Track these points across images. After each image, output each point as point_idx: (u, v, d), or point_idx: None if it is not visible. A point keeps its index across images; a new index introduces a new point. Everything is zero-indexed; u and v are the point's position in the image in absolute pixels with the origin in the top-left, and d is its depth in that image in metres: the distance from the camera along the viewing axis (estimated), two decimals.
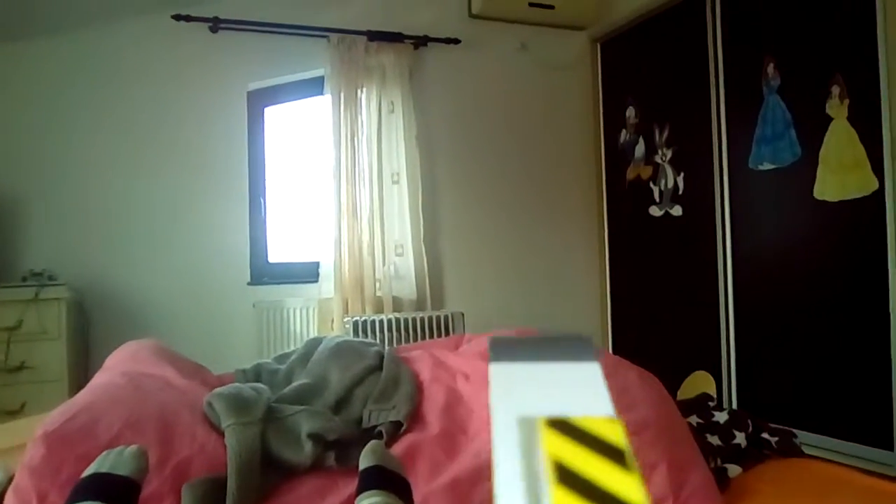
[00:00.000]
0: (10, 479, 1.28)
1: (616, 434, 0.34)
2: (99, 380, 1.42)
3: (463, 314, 3.84)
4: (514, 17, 4.59)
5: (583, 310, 4.72)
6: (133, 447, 1.05)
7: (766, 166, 3.57)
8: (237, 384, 1.45)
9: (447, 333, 3.75)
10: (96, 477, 1.01)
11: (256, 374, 1.70)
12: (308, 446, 1.26)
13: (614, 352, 4.56)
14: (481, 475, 1.25)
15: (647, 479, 1.34)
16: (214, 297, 4.00)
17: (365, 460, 1.10)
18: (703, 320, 3.91)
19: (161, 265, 3.92)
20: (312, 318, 4.08)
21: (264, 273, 4.19)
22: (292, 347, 4.00)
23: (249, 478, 1.18)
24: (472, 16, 4.56)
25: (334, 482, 1.26)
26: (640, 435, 1.39)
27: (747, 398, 3.68)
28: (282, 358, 1.81)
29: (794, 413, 3.28)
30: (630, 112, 4.46)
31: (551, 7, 4.54)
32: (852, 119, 3.16)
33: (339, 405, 1.46)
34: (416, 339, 3.71)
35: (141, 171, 3.92)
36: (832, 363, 3.25)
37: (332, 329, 4.02)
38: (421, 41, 4.39)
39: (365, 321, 3.64)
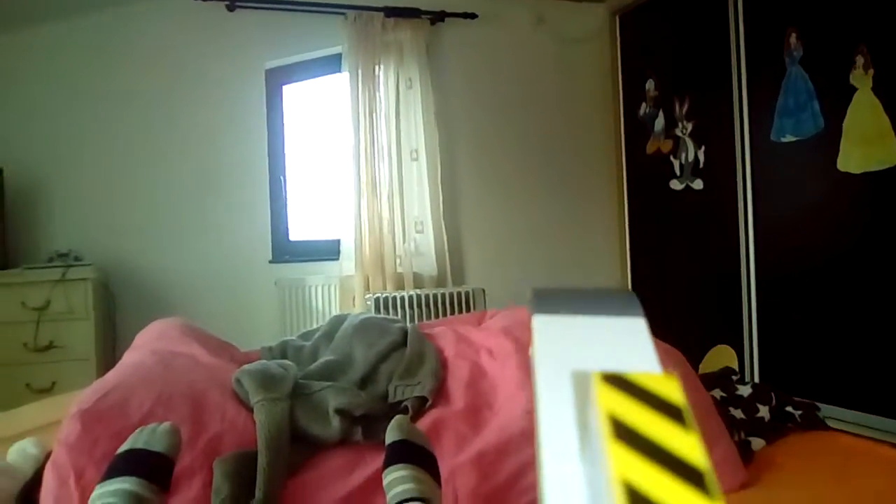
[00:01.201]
0: (47, 456, 1.31)
1: (674, 391, 0.34)
2: (129, 358, 1.45)
3: (484, 290, 3.85)
4: None
5: (604, 283, 4.71)
6: (166, 424, 1.07)
7: (789, 138, 3.53)
8: (264, 361, 1.47)
9: (468, 309, 3.77)
10: (131, 453, 1.04)
11: (282, 351, 1.72)
12: (336, 421, 1.28)
13: None
14: (507, 449, 1.27)
15: None
16: (237, 275, 4.04)
17: (391, 435, 1.12)
18: (724, 294, 3.90)
19: (183, 244, 3.96)
20: (334, 295, 4.11)
21: (286, 251, 4.22)
22: (314, 325, 4.05)
23: (279, 453, 1.20)
24: None
25: (362, 456, 1.28)
26: None
27: (769, 372, 3.68)
28: (307, 335, 1.84)
29: (817, 386, 3.27)
30: (650, 85, 4.42)
31: None
32: (876, 90, 3.11)
33: (365, 381, 1.48)
34: (437, 316, 3.73)
35: (162, 150, 3.95)
36: (855, 336, 3.23)
37: (354, 306, 4.05)
38: (438, 16, 4.36)
39: (386, 298, 3.67)
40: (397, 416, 1.18)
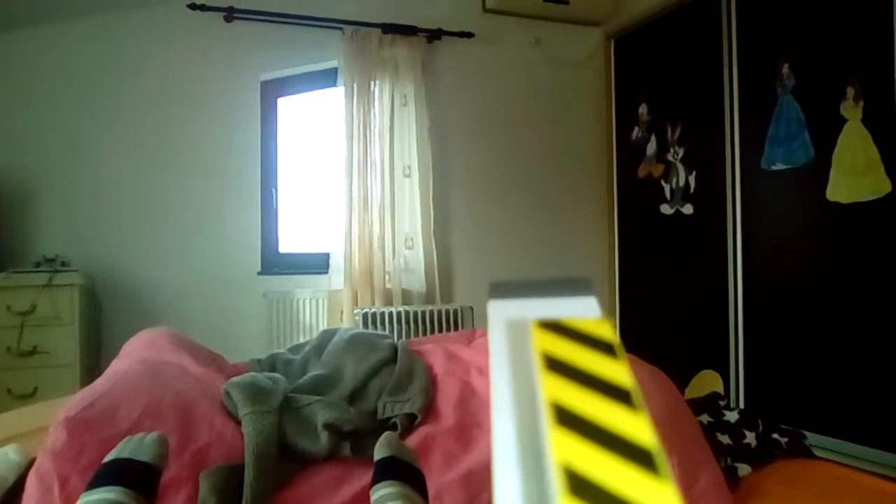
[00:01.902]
0: (30, 463, 1.29)
1: (606, 330, 0.36)
2: (117, 367, 1.43)
3: (472, 308, 3.85)
4: (528, 11, 4.59)
5: None
6: (154, 434, 1.06)
7: (779, 167, 3.56)
8: (254, 373, 1.46)
9: (456, 327, 3.76)
10: (117, 462, 1.03)
11: (271, 363, 1.71)
12: (324, 436, 1.27)
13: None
14: None
15: None
16: (225, 286, 4.02)
17: (380, 451, 1.12)
18: (711, 319, 3.92)
19: (172, 253, 3.94)
20: (322, 309, 4.10)
21: (274, 263, 4.21)
22: (301, 338, 4.05)
23: (266, 466, 1.19)
24: (486, 10, 4.56)
25: (350, 472, 1.27)
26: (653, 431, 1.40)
27: (755, 398, 3.69)
28: (296, 348, 1.83)
29: (803, 414, 3.28)
30: (643, 109, 4.46)
31: (566, 2, 4.54)
32: (867, 121, 3.15)
33: (354, 396, 1.47)
34: (425, 332, 3.73)
35: (153, 159, 3.94)
36: (842, 365, 3.25)
37: (342, 321, 4.04)
38: (434, 34, 4.39)
39: (374, 313, 3.66)
40: (386, 433, 1.17)
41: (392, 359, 1.60)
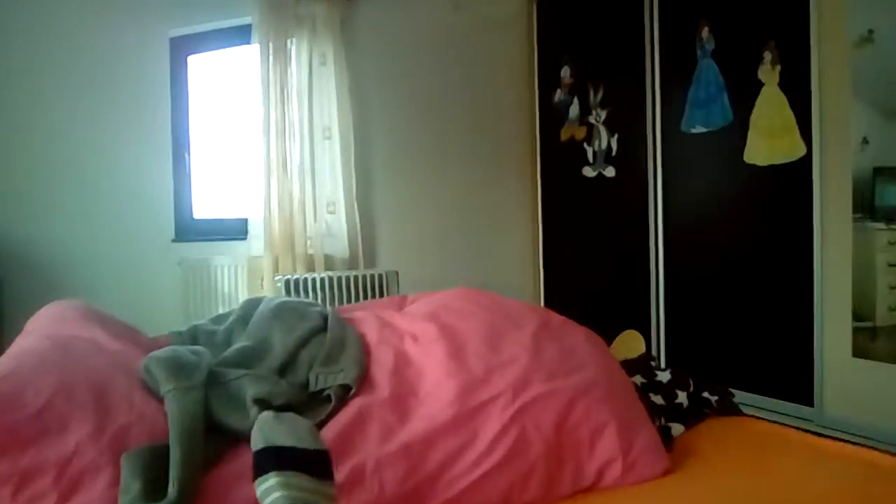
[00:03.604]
0: None
1: None
2: (22, 344, 1.31)
3: (397, 273, 3.79)
4: None
5: (516, 268, 4.73)
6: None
7: (699, 129, 3.62)
8: (175, 347, 1.37)
9: (381, 293, 3.70)
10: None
11: (193, 336, 1.61)
12: (254, 412, 1.20)
13: None
14: (434, 439, 1.22)
15: (597, 439, 1.33)
16: (137, 254, 3.84)
17: (253, 443, 1.04)
18: (633, 280, 3.98)
19: (80, 220, 3.73)
20: (241, 276, 3.96)
21: (190, 230, 4.05)
22: (220, 308, 3.91)
23: (193, 446, 1.11)
24: None
25: None
26: (590, 394, 1.38)
27: (675, 357, 3.78)
28: (219, 319, 1.73)
29: (721, 371, 3.37)
30: (565, 71, 4.44)
31: None
32: (783, 85, 3.22)
33: (284, 368, 1.40)
34: (350, 299, 3.65)
35: (57, 116, 3.71)
36: (758, 323, 3.36)
37: (262, 288, 3.91)
38: None
39: (297, 280, 3.55)
40: (261, 416, 1.10)
41: (322, 328, 1.53)
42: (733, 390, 1.82)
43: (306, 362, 1.42)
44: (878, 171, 2.99)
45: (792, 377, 3.21)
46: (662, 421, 1.59)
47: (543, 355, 1.43)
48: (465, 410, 1.27)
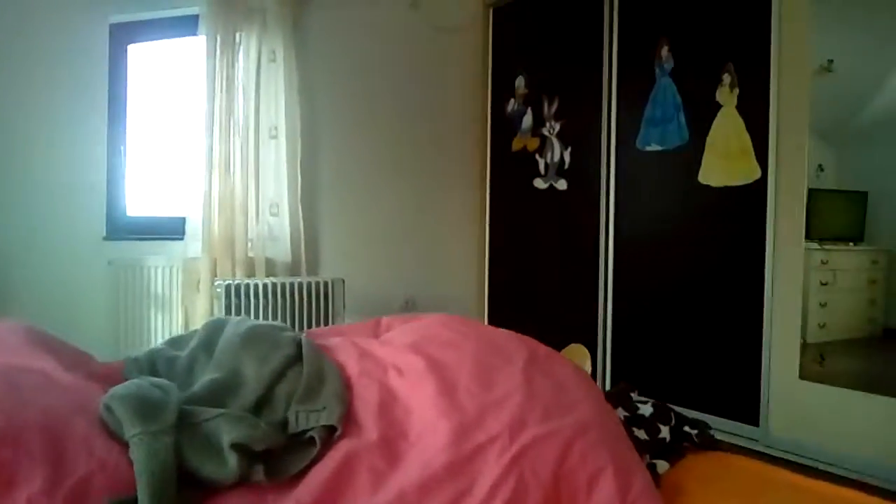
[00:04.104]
0: None
1: None
2: None
3: (343, 281, 3.65)
4: None
5: (462, 278, 4.66)
6: None
7: (654, 147, 3.61)
8: (137, 381, 1.21)
9: (326, 301, 3.56)
10: None
11: (151, 363, 1.45)
12: (233, 459, 1.06)
13: (490, 321, 4.55)
14: (430, 486, 1.11)
15: (594, 484, 1.25)
16: (65, 252, 3.58)
17: None
18: (580, 294, 3.95)
19: (3, 214, 3.45)
20: (176, 278, 3.75)
21: (122, 228, 3.80)
22: (154, 312, 3.70)
23: (164, 499, 0.97)
24: None
25: (263, 498, 1.07)
26: (586, 436, 1.30)
27: (620, 372, 3.77)
28: (177, 343, 1.56)
29: (666, 388, 3.37)
30: (520, 81, 4.39)
31: None
32: (741, 108, 3.23)
33: (260, 406, 1.26)
34: (292, 307, 3.49)
35: None
36: (705, 341, 3.37)
37: (199, 291, 3.72)
38: None
39: (238, 285, 3.38)
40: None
41: (297, 357, 1.39)
42: (679, 408, 1.78)
43: (283, 398, 1.29)
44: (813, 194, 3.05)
45: (738, 397, 3.23)
46: (647, 458, 1.53)
47: (536, 392, 1.34)
48: (462, 455, 1.17)
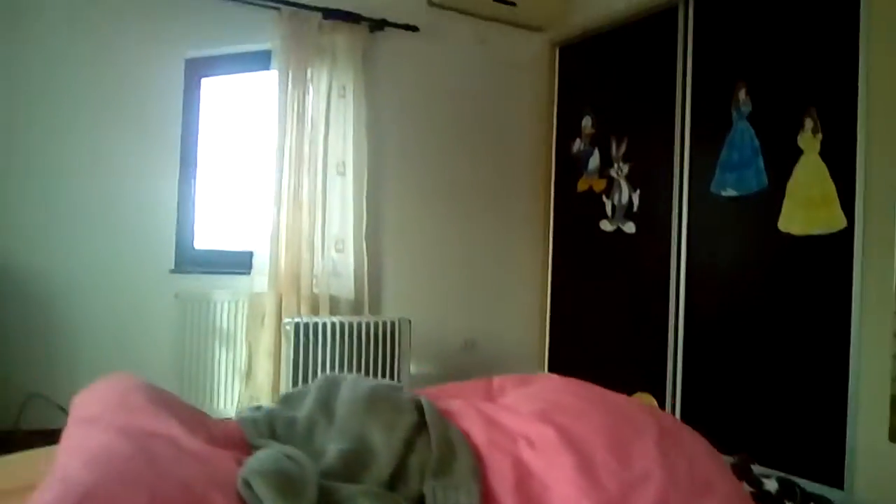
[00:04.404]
0: None
1: None
2: (92, 441, 1.07)
3: (410, 321, 3.60)
4: (475, 10, 4.39)
5: (523, 319, 4.60)
6: None
7: (730, 192, 3.52)
8: (273, 454, 1.14)
9: (392, 341, 3.51)
10: None
11: (269, 425, 1.39)
12: None
13: (550, 367, 4.46)
14: None
15: None
16: (133, 283, 3.60)
17: None
18: (648, 341, 3.85)
19: (74, 243, 3.48)
20: (241, 313, 3.74)
21: (189, 260, 3.81)
22: (217, 344, 3.68)
23: None
24: (431, 3, 4.32)
25: None
26: None
27: (690, 424, 3.64)
28: (290, 401, 1.51)
29: (740, 442, 3.24)
30: (587, 121, 4.34)
31: (513, 4, 4.37)
32: (824, 154, 3.14)
33: (394, 479, 1.19)
34: (358, 346, 3.44)
35: (59, 132, 3.45)
36: (784, 396, 3.24)
37: (263, 326, 3.71)
38: (377, 25, 4.11)
39: (307, 324, 3.34)
40: None
41: (421, 422, 1.34)
42: (755, 466, 1.68)
43: (417, 471, 1.23)
44: None
45: (820, 456, 3.10)
46: None
47: (674, 470, 1.27)
48: None
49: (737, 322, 3.49)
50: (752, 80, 3.45)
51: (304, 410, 1.43)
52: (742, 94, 3.49)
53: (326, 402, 1.43)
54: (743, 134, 3.49)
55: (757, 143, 3.42)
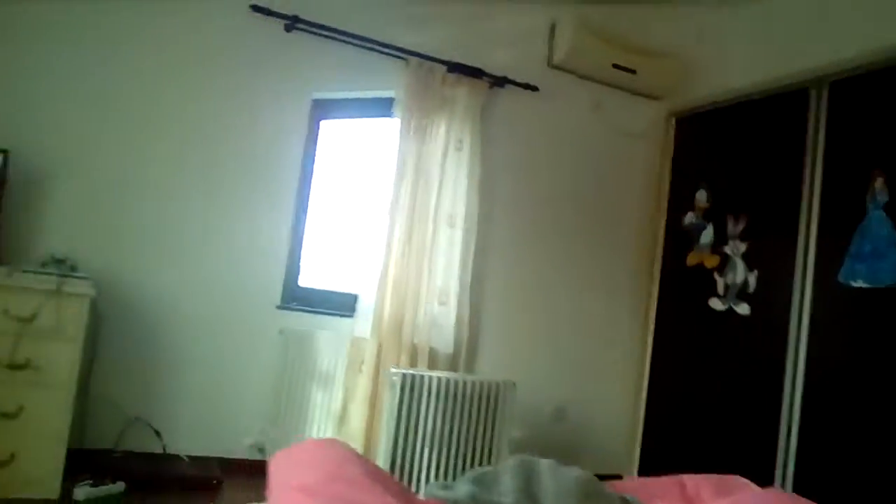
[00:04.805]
0: None
1: None
2: None
3: (514, 384, 3.51)
4: (594, 74, 4.39)
5: (616, 394, 4.47)
6: None
7: (860, 284, 3.37)
8: None
9: (495, 403, 3.42)
10: None
11: None
12: None
13: (644, 444, 4.31)
14: None
15: None
16: (240, 315, 3.61)
17: None
18: (755, 434, 3.67)
19: (185, 271, 3.51)
20: (341, 355, 3.70)
21: (294, 297, 3.81)
22: (316, 383, 3.64)
23: None
24: (551, 65, 4.34)
25: None
26: None
27: None
28: (483, 483, 1.42)
29: None
30: (701, 195, 4.25)
31: (633, 72, 4.35)
32: None
33: None
34: (460, 405, 3.34)
35: (183, 164, 3.53)
36: None
37: (361, 371, 3.66)
38: (499, 81, 4.13)
39: (413, 377, 3.27)
40: None
41: None
42: None
43: None
44: None
45: None
46: None
47: None
48: None
49: (862, 423, 3.29)
50: (890, 170, 3.33)
51: (507, 497, 1.35)
52: (879, 184, 3.37)
53: (528, 489, 1.35)
54: (879, 224, 3.35)
55: (895, 235, 3.28)
